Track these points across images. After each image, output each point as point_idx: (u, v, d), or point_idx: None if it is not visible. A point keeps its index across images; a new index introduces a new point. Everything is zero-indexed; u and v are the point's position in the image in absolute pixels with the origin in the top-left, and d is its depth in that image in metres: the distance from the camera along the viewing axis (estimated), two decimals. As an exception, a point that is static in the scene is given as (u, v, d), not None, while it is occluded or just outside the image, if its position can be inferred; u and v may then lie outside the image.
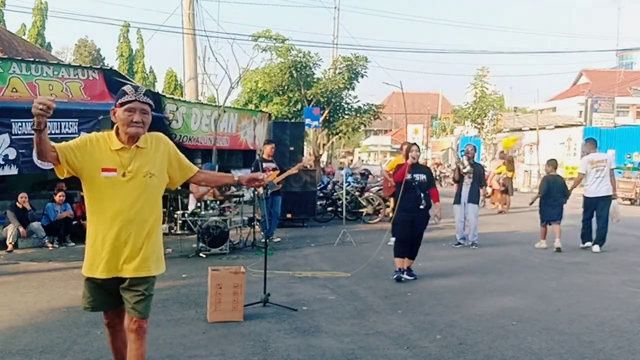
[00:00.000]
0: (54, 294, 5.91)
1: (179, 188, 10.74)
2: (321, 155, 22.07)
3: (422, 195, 6.55)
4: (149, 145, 3.04)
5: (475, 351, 4.24)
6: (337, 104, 19.72)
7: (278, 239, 9.74)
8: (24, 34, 31.84)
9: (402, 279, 6.55)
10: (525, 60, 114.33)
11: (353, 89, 20.04)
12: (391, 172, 8.76)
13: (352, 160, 41.30)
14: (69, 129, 9.61)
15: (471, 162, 9.33)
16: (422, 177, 6.66)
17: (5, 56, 11.24)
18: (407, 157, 6.85)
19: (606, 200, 8.64)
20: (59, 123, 9.46)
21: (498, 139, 28.44)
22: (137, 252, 2.96)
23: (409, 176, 6.54)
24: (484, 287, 6.34)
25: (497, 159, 15.73)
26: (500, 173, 15.18)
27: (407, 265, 6.75)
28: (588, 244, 8.87)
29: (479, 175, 9.32)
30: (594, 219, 8.86)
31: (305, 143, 17.41)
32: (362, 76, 19.72)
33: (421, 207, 6.54)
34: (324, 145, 21.36)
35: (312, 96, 18.73)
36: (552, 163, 9.35)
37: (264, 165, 9.16)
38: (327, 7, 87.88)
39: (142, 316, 3.01)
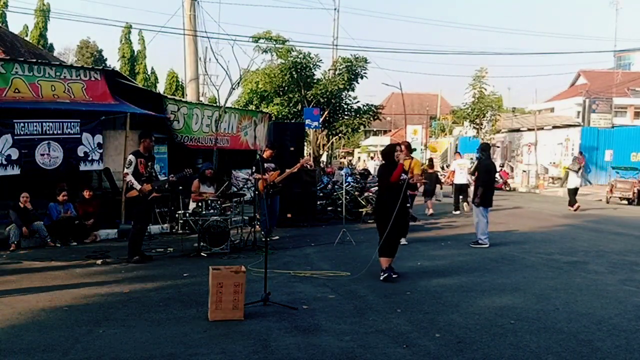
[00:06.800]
0: (56, 293, 5.94)
1: (180, 188, 10.80)
2: (321, 155, 22.12)
3: (408, 194, 6.70)
4: None
5: (473, 350, 4.28)
6: (337, 104, 19.78)
7: (276, 237, 9.80)
8: (26, 35, 31.84)
9: (392, 278, 6.55)
10: (523, 61, 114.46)
11: (353, 89, 20.12)
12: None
13: (350, 161, 41.37)
14: (71, 129, 9.68)
15: (480, 160, 9.43)
16: (406, 176, 6.62)
17: (8, 57, 11.28)
18: (407, 155, 6.86)
19: (466, 185, 14.70)
20: (61, 123, 9.53)
21: (497, 139, 28.48)
22: None
23: (402, 176, 6.49)
24: (483, 286, 6.38)
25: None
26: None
27: (389, 264, 6.69)
28: (457, 212, 14.52)
29: (480, 174, 9.29)
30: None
31: (305, 143, 17.47)
32: (362, 77, 19.78)
33: (407, 205, 6.70)
34: (323, 145, 21.42)
35: (312, 97, 18.78)
36: (430, 164, 15.71)
37: (265, 165, 9.25)
38: (326, 9, 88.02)
39: None
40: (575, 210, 15.20)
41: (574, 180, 15.70)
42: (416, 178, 7.80)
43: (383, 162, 6.93)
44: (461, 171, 14.86)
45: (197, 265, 7.49)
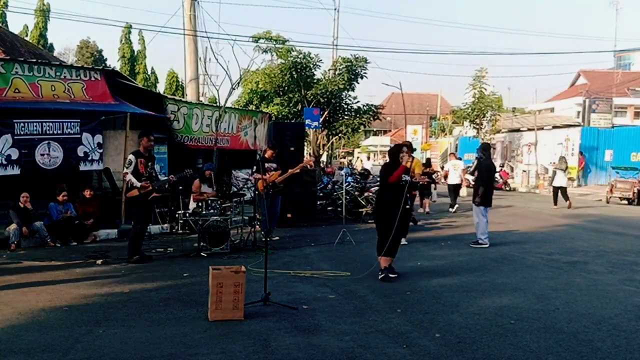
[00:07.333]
0: (56, 293, 5.94)
1: (180, 188, 10.80)
2: (321, 155, 22.11)
3: (408, 195, 6.70)
4: None
5: (473, 350, 4.28)
6: (337, 104, 19.74)
7: (276, 238, 9.80)
8: (26, 35, 31.80)
9: (390, 278, 6.58)
10: (523, 61, 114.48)
11: (353, 89, 20.07)
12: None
13: (350, 161, 41.33)
14: (71, 129, 9.68)
15: (480, 160, 9.38)
16: (408, 177, 6.70)
17: (8, 57, 11.28)
18: (408, 155, 6.88)
19: (458, 185, 15.70)
20: (61, 123, 9.53)
21: (497, 139, 28.44)
22: None
23: (404, 177, 6.58)
24: (483, 286, 6.39)
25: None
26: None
27: (389, 263, 6.76)
28: (451, 210, 14.75)
29: (481, 174, 9.25)
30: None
31: (305, 143, 17.46)
32: (362, 77, 19.75)
33: (407, 206, 6.79)
34: (324, 145, 21.40)
35: (312, 97, 18.76)
36: (428, 163, 15.76)
37: (266, 165, 9.24)
38: (327, 9, 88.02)
39: None
40: (554, 206, 15.90)
41: (560, 179, 15.93)
42: (418, 177, 7.84)
43: (388, 161, 6.95)
44: (455, 171, 15.57)
45: (197, 265, 7.49)
